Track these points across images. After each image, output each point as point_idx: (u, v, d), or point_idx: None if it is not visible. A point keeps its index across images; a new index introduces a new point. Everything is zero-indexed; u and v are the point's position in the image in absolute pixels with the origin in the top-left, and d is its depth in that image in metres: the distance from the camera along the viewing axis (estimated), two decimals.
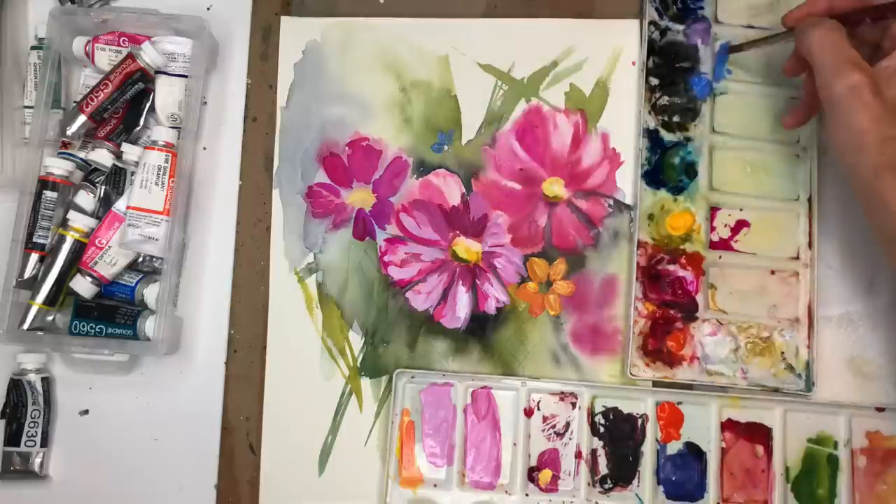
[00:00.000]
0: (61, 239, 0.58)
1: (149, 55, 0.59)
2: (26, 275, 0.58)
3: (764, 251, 0.59)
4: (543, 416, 0.58)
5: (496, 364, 0.60)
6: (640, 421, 0.58)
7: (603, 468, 0.58)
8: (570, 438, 0.58)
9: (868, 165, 0.46)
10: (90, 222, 0.58)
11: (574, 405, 0.58)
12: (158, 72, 0.60)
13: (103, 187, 0.60)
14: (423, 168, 0.62)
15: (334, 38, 0.63)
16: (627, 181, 0.61)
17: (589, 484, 0.57)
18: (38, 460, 0.58)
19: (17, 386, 0.58)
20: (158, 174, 0.58)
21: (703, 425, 0.58)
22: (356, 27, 0.63)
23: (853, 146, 0.47)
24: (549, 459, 0.58)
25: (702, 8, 0.62)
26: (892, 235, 0.47)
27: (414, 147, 0.62)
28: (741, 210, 0.60)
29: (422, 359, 0.60)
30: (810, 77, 0.53)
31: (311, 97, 0.63)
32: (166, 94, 0.60)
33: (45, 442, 0.58)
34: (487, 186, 0.61)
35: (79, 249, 0.58)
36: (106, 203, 0.59)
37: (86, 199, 0.60)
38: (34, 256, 0.58)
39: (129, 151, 0.60)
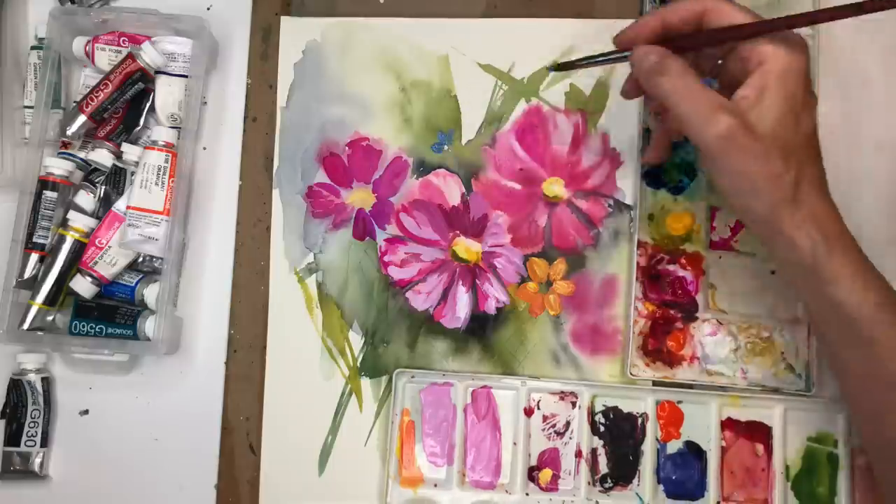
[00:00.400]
0: (61, 239, 0.58)
1: (149, 55, 0.59)
2: (26, 275, 0.58)
3: (764, 251, 0.59)
4: (543, 416, 0.58)
5: (496, 364, 0.60)
6: (640, 420, 0.58)
7: (603, 467, 0.58)
8: (571, 438, 0.58)
9: (763, 205, 0.44)
10: (90, 222, 0.58)
11: (574, 404, 0.58)
12: (158, 72, 0.60)
13: (103, 187, 0.60)
14: (423, 168, 0.62)
15: (334, 38, 0.63)
16: (627, 181, 0.61)
17: (589, 483, 0.57)
18: (38, 460, 0.58)
19: (17, 386, 0.58)
20: (158, 174, 0.58)
21: (703, 424, 0.58)
22: (356, 27, 0.63)
23: (743, 190, 0.45)
24: (550, 459, 0.58)
25: None
26: (800, 264, 0.45)
27: (414, 147, 0.62)
28: None
29: (422, 359, 0.60)
30: (653, 105, 0.51)
31: (311, 97, 0.63)
32: (166, 94, 0.60)
33: (45, 442, 0.58)
34: (487, 186, 0.61)
35: (79, 249, 0.58)
36: (106, 203, 0.59)
37: (86, 199, 0.60)
38: (34, 256, 0.58)
39: (129, 151, 0.60)
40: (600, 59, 0.51)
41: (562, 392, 0.58)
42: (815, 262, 0.44)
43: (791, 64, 0.44)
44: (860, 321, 0.44)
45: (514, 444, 0.58)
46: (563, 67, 0.53)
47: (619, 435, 0.58)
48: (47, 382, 0.59)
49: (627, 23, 0.62)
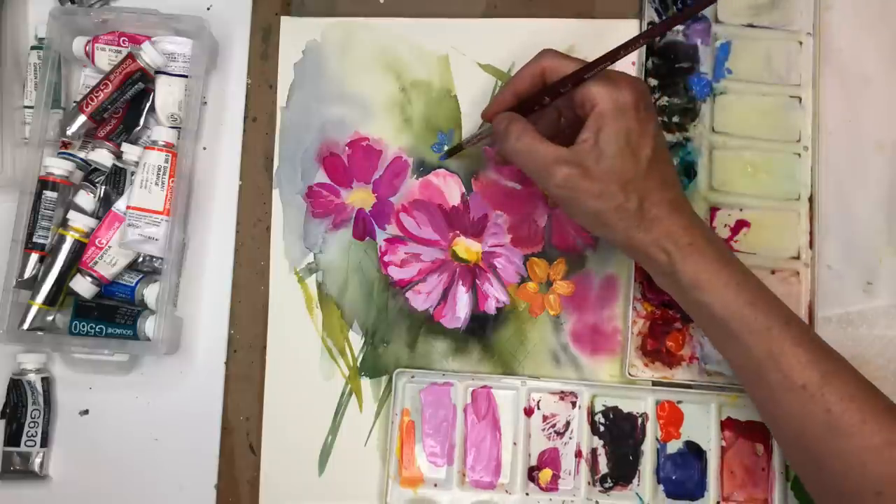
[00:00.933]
0: (61, 239, 0.58)
1: (149, 55, 0.59)
2: (26, 275, 0.58)
3: (764, 251, 0.59)
4: (543, 416, 0.58)
5: (496, 364, 0.60)
6: (640, 420, 0.58)
7: (603, 467, 0.58)
8: (571, 437, 0.58)
9: (618, 233, 0.49)
10: (90, 222, 0.58)
11: (574, 404, 0.58)
12: (158, 72, 0.60)
13: (103, 187, 0.59)
14: (423, 168, 0.62)
15: (334, 38, 0.63)
16: None
17: (589, 483, 0.57)
18: (38, 460, 0.58)
19: (17, 386, 0.58)
20: (158, 174, 0.58)
21: (702, 424, 0.58)
22: (356, 27, 0.63)
23: (599, 225, 0.49)
24: (550, 459, 0.58)
25: None
26: (663, 274, 0.50)
27: (414, 147, 0.62)
28: (741, 210, 0.60)
29: (422, 359, 0.60)
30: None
31: (311, 97, 0.63)
32: (166, 94, 0.60)
33: (45, 442, 0.58)
34: (487, 186, 0.61)
35: (79, 249, 0.58)
36: (106, 203, 0.59)
37: (86, 199, 0.60)
38: (34, 256, 0.58)
39: (129, 151, 0.60)
40: (477, 137, 0.56)
41: (562, 392, 0.58)
42: (673, 273, 0.49)
43: (619, 101, 0.47)
44: (723, 318, 0.48)
45: (514, 444, 0.58)
46: (451, 153, 0.60)
47: (619, 435, 0.58)
48: (47, 382, 0.59)
49: (627, 23, 0.63)
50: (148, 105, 0.61)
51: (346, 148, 0.62)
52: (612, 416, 0.58)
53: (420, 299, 0.60)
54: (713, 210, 0.60)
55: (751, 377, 0.49)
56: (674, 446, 0.58)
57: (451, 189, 0.61)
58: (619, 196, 0.47)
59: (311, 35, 0.63)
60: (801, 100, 0.61)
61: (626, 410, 0.58)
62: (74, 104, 0.60)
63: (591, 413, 0.58)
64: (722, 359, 0.57)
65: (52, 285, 0.58)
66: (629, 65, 0.62)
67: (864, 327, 0.59)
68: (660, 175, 0.49)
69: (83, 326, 0.57)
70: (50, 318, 0.58)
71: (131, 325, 0.57)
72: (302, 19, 0.64)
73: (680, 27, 0.61)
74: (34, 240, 0.58)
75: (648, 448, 0.57)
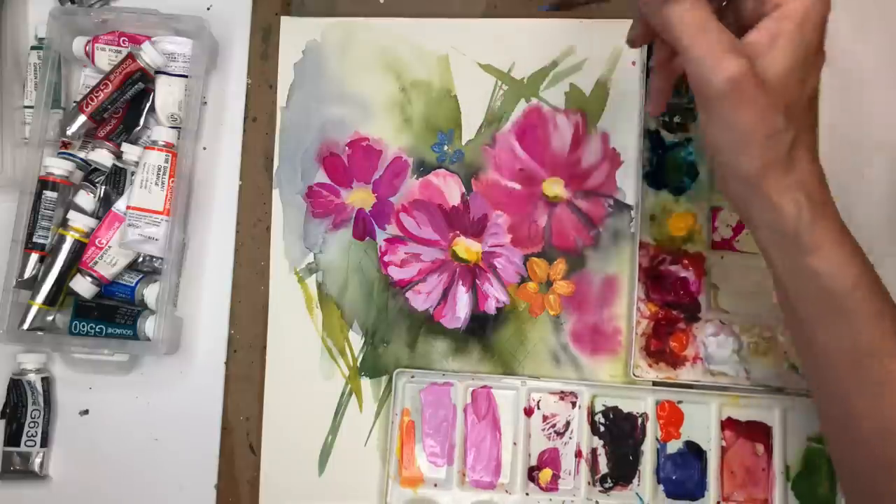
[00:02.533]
0: (61, 239, 0.58)
1: (149, 55, 0.59)
2: (26, 275, 0.58)
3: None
4: (543, 416, 0.58)
5: (496, 364, 0.59)
6: (640, 420, 0.58)
7: (603, 467, 0.58)
8: (571, 437, 0.58)
9: (752, 166, 0.40)
10: (90, 222, 0.58)
11: (574, 404, 0.58)
12: (158, 72, 0.60)
13: (103, 187, 0.60)
14: (423, 168, 0.62)
15: (334, 38, 0.63)
16: (627, 181, 0.61)
17: (589, 483, 0.57)
18: (38, 460, 0.58)
19: (17, 386, 0.58)
20: (158, 174, 0.58)
21: (703, 424, 0.58)
22: (356, 27, 0.63)
23: (735, 146, 0.40)
24: (550, 459, 0.58)
25: None
26: (781, 231, 0.42)
27: (414, 147, 0.62)
28: None
29: (422, 359, 0.60)
30: (661, 48, 0.47)
31: (311, 97, 0.63)
32: (166, 94, 0.60)
33: (45, 442, 0.58)
34: (487, 186, 0.61)
35: (79, 249, 0.58)
36: (106, 203, 0.59)
37: (86, 199, 0.60)
38: (34, 256, 0.58)
39: (129, 151, 0.60)
40: None
41: (562, 392, 0.58)
42: (797, 230, 0.41)
43: (810, 10, 0.39)
44: (837, 292, 0.41)
45: (514, 444, 0.58)
46: (563, 6, 0.50)
47: (619, 435, 0.58)
48: (47, 382, 0.59)
49: (627, 23, 0.62)
50: (148, 105, 0.61)
51: (346, 148, 0.62)
52: (612, 416, 0.58)
53: (420, 299, 0.60)
54: (715, 210, 0.60)
55: (840, 363, 0.43)
56: (674, 446, 0.58)
57: (451, 189, 0.61)
58: (781, 120, 0.39)
59: (311, 35, 0.63)
60: None
61: (626, 410, 0.58)
62: (74, 104, 0.60)
63: (591, 413, 0.58)
64: (726, 359, 0.58)
65: (52, 285, 0.58)
66: (629, 65, 0.62)
67: None
68: (814, 113, 0.43)
69: (83, 326, 0.57)
70: (50, 318, 0.58)
71: (131, 325, 0.57)
72: (302, 19, 0.64)
73: None
74: (34, 240, 0.58)
75: (648, 448, 0.57)
